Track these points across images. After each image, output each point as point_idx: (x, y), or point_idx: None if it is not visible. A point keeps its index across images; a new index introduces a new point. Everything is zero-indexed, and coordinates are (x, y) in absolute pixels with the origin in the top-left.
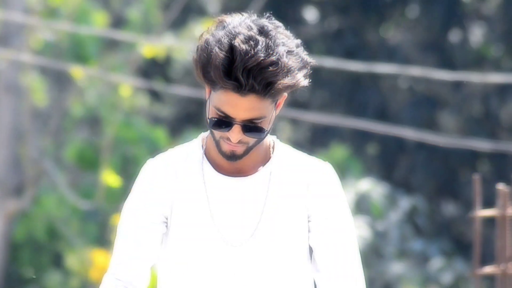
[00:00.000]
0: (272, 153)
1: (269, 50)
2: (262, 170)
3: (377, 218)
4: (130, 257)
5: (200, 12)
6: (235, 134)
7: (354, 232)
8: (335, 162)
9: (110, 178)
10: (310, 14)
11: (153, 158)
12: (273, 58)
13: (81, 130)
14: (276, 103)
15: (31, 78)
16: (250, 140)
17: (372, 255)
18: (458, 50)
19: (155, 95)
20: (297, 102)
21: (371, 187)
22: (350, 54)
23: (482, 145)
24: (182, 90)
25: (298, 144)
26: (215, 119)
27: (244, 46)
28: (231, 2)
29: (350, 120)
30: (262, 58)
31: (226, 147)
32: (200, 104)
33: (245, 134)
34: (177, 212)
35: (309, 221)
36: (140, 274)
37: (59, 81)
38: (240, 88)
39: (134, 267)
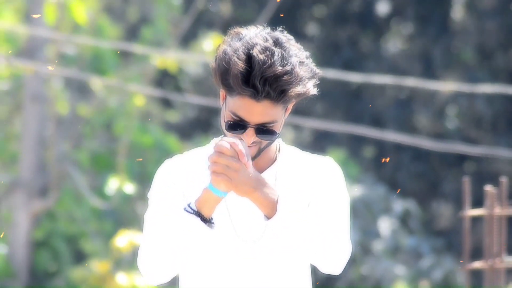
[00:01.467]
0: (278, 154)
1: (284, 61)
2: (268, 171)
3: (371, 219)
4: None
5: (209, 26)
6: (249, 136)
7: (346, 206)
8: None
9: (123, 183)
10: (311, 28)
11: (170, 158)
12: (288, 68)
13: (100, 136)
14: (286, 109)
15: (55, 88)
16: (263, 142)
17: (364, 253)
18: (442, 59)
19: (167, 104)
20: (299, 109)
21: (366, 190)
22: (347, 65)
23: (467, 149)
24: (192, 99)
25: (300, 148)
26: (231, 122)
27: (261, 56)
28: (238, 17)
29: (345, 126)
30: (278, 67)
31: None
32: (209, 112)
33: (258, 136)
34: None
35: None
36: None
37: (80, 91)
38: (257, 94)
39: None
